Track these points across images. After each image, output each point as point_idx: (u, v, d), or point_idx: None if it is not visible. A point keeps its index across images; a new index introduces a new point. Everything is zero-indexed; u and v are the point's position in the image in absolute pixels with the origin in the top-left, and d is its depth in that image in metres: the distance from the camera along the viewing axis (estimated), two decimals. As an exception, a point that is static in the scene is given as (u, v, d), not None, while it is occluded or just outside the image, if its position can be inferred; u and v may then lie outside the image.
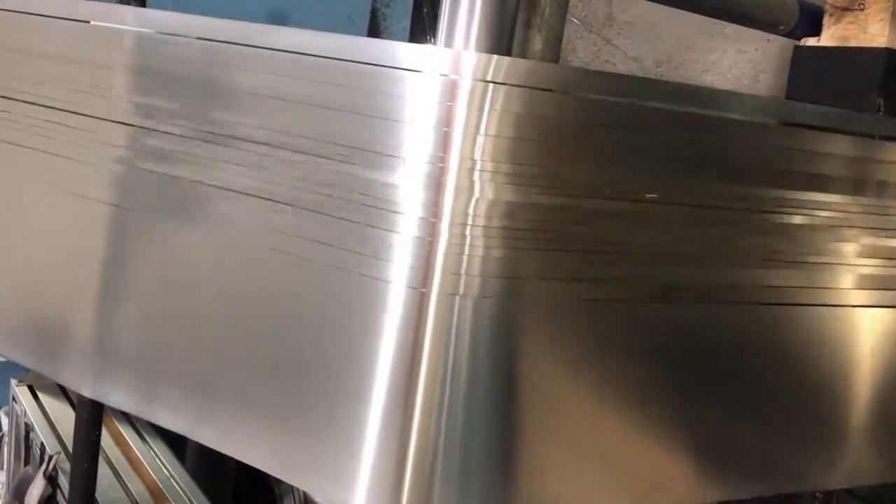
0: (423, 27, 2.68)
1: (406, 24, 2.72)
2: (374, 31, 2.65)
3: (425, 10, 2.67)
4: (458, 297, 0.98)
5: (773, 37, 1.85)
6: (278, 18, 2.28)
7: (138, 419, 1.93)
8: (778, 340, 1.23)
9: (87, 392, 1.31)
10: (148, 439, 1.87)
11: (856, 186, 1.23)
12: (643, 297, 1.10)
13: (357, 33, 2.53)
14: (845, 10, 1.52)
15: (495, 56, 0.94)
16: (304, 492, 1.80)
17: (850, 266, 1.25)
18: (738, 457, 1.24)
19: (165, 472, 1.74)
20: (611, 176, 1.04)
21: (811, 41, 1.52)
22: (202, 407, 1.16)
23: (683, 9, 1.31)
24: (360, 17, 2.63)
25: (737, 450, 1.23)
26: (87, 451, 1.36)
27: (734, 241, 1.15)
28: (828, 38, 1.46)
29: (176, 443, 1.90)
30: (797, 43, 1.54)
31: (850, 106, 1.43)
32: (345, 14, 2.61)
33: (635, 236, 1.07)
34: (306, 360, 1.06)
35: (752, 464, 1.26)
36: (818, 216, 1.21)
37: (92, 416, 1.37)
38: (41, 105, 1.28)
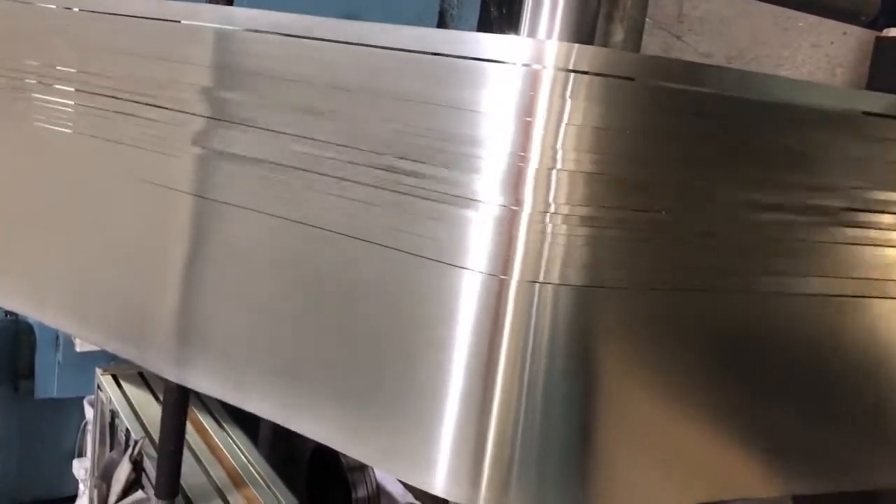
0: (490, 28, 2.70)
1: (473, 24, 2.75)
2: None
3: (493, 10, 2.69)
4: (537, 285, 0.99)
5: (849, 30, 1.82)
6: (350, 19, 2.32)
7: (216, 406, 1.98)
8: (852, 333, 1.21)
9: (174, 378, 1.35)
10: (226, 426, 1.92)
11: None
12: (721, 289, 1.10)
13: (426, 33, 2.55)
14: (928, -1, 1.48)
15: (577, 45, 0.95)
16: (376, 480, 1.83)
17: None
18: (807, 452, 1.22)
19: (244, 458, 1.78)
20: (690, 164, 1.04)
21: (893, 31, 1.48)
22: (284, 391, 1.19)
23: (766, 1, 1.30)
24: (428, 18, 2.66)
25: (806, 445, 1.22)
26: (173, 433, 1.40)
27: (808, 232, 1.14)
28: (910, 28, 1.43)
29: (251, 430, 1.95)
30: (878, 34, 1.51)
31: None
32: (413, 15, 2.65)
33: (713, 225, 1.07)
34: (385, 346, 1.08)
35: (821, 459, 1.24)
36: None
37: (178, 400, 1.42)
38: (127, 100, 1.33)
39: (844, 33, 1.88)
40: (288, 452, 2.00)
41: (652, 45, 2.20)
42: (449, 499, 1.05)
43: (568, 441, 1.05)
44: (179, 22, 1.28)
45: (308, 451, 1.97)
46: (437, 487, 1.04)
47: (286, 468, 1.90)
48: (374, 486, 1.82)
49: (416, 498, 1.71)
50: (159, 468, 1.43)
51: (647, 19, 2.10)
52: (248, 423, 1.95)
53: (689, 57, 2.06)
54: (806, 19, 1.88)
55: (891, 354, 1.26)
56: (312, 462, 1.98)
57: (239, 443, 1.85)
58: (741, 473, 1.18)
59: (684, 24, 2.08)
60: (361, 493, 1.84)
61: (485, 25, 2.74)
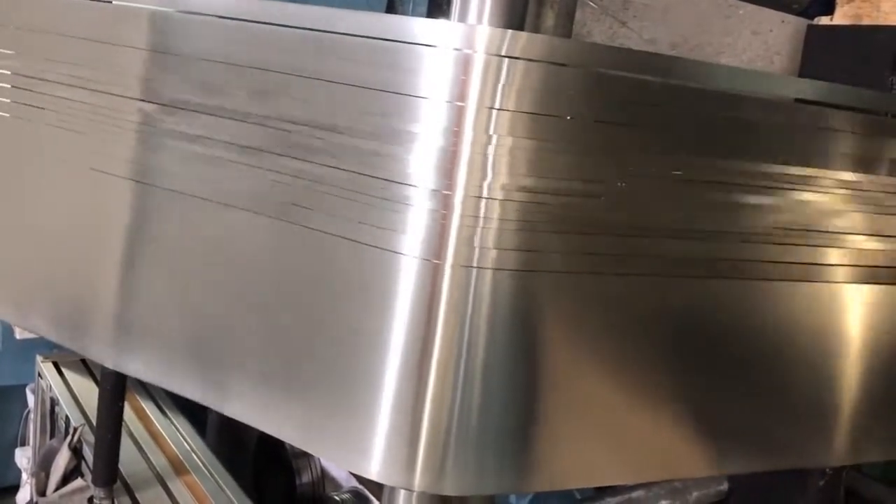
0: (439, 15, 2.69)
1: (423, 9, 2.73)
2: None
3: (442, -1, 2.68)
4: (472, 270, 0.99)
5: (787, 18, 1.86)
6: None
7: (159, 394, 1.97)
8: (782, 317, 1.23)
9: (111, 364, 1.33)
10: (169, 414, 1.90)
11: (867, 164, 1.24)
12: (656, 272, 1.11)
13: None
14: (859, -11, 1.51)
15: (509, 31, 0.95)
16: (321, 466, 1.83)
17: (857, 243, 1.25)
18: (741, 432, 1.25)
19: (186, 445, 1.77)
20: (624, 151, 1.05)
21: (824, 20, 1.51)
22: (222, 378, 1.18)
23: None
24: (377, 4, 2.64)
25: (741, 426, 1.24)
26: (110, 420, 1.39)
27: (744, 217, 1.15)
28: (841, 16, 1.46)
29: (196, 418, 1.94)
30: (810, 22, 1.53)
31: (864, 85, 1.43)
32: (363, 0, 2.63)
33: (646, 211, 1.08)
34: (322, 332, 1.07)
35: (754, 440, 1.27)
36: (829, 193, 1.21)
37: (115, 386, 1.40)
38: (64, 84, 1.30)
39: (783, 21, 1.91)
40: (234, 439, 1.99)
41: (598, 30, 2.21)
42: (384, 482, 1.06)
43: (508, 424, 1.05)
44: (111, 2, 1.25)
45: (254, 438, 1.97)
46: (372, 472, 1.05)
47: (232, 455, 1.89)
48: (319, 471, 1.82)
49: (361, 483, 1.72)
50: (97, 455, 1.41)
51: (593, 5, 2.11)
52: (194, 410, 1.94)
53: (634, 43, 2.08)
54: (746, 7, 1.91)
55: (826, 338, 1.28)
56: (258, 449, 1.97)
57: (182, 430, 1.84)
58: (683, 453, 1.20)
59: (629, 10, 2.09)
60: (306, 478, 1.84)
61: (434, 11, 2.72)
